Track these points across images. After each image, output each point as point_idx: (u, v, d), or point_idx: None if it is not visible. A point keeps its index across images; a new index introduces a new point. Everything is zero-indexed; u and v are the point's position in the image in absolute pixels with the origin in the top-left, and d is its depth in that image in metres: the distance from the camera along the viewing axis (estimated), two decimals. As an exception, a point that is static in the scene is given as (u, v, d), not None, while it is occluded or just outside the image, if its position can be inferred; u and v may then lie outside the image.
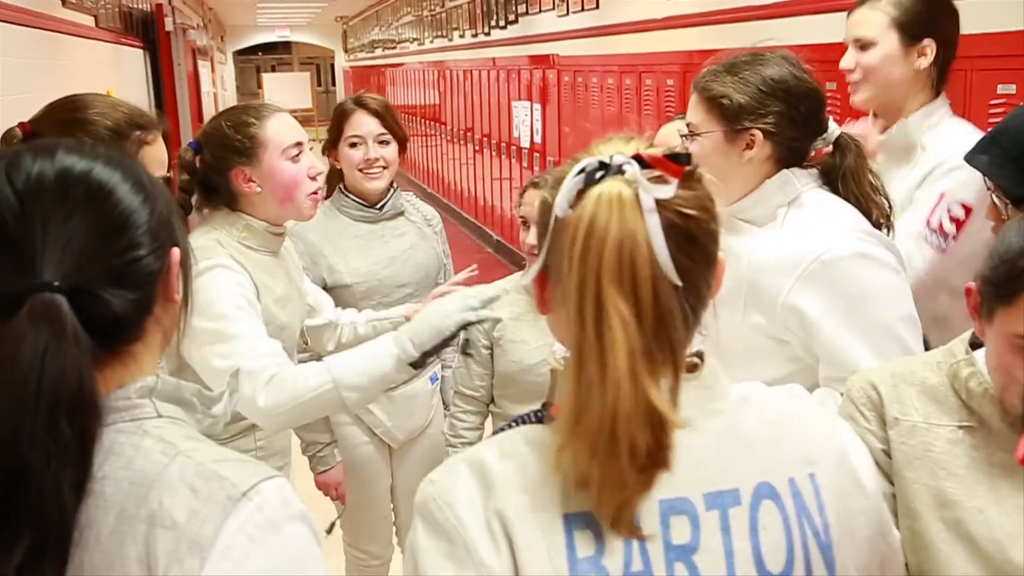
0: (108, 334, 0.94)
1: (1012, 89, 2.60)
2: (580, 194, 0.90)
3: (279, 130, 2.03)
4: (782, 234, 1.67)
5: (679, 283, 0.89)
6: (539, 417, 0.99)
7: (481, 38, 9.37)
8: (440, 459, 2.68)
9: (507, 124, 7.93)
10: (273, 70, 28.06)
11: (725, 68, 1.71)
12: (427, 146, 11.65)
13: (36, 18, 4.12)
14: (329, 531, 2.69)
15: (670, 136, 2.46)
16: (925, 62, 2.04)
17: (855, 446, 1.04)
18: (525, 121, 7.41)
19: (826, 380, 1.65)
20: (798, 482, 0.96)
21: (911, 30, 2.03)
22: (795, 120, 1.68)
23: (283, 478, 0.95)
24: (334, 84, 27.25)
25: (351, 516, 2.73)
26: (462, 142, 9.70)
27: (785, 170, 1.70)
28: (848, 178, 1.73)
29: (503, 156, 8.09)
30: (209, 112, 11.58)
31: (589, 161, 0.92)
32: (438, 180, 11.34)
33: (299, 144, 2.04)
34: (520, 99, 7.55)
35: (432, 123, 11.41)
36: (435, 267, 2.68)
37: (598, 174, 0.90)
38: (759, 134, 1.67)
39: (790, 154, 1.70)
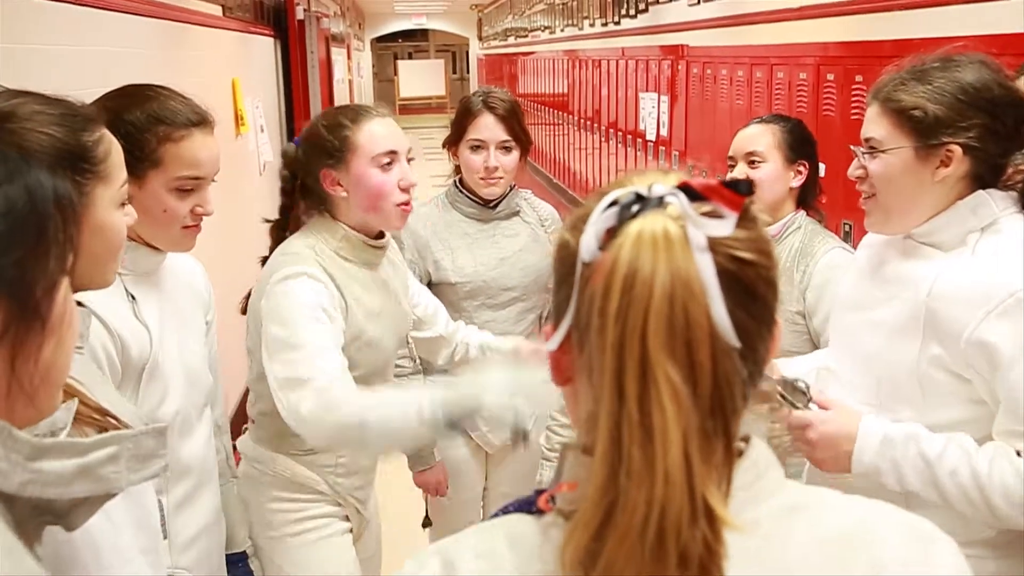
0: None
1: None
2: (611, 232, 0.72)
3: (373, 136, 1.94)
4: (973, 262, 1.49)
5: (737, 344, 0.71)
6: (530, 505, 0.80)
7: (611, 27, 9.19)
8: (537, 468, 2.63)
9: (634, 115, 7.73)
10: (410, 57, 28.53)
11: (913, 75, 1.53)
12: (554, 135, 11.56)
13: (160, 8, 4.16)
14: (426, 524, 2.69)
15: (750, 139, 2.35)
16: None
17: (952, 567, 0.81)
18: (652, 113, 7.20)
19: (1001, 433, 1.44)
20: None
21: None
22: (999, 133, 1.49)
23: None
24: (468, 72, 27.49)
25: (439, 517, 2.68)
26: (588, 132, 9.55)
27: (981, 191, 1.51)
28: None
29: (628, 147, 7.89)
30: (341, 100, 11.75)
31: (622, 192, 0.73)
32: (564, 170, 11.25)
33: (392, 153, 1.95)
34: (648, 90, 7.34)
35: (560, 112, 11.30)
36: (546, 270, 2.55)
37: (634, 207, 0.72)
38: (958, 150, 1.49)
39: (989, 172, 1.52)
